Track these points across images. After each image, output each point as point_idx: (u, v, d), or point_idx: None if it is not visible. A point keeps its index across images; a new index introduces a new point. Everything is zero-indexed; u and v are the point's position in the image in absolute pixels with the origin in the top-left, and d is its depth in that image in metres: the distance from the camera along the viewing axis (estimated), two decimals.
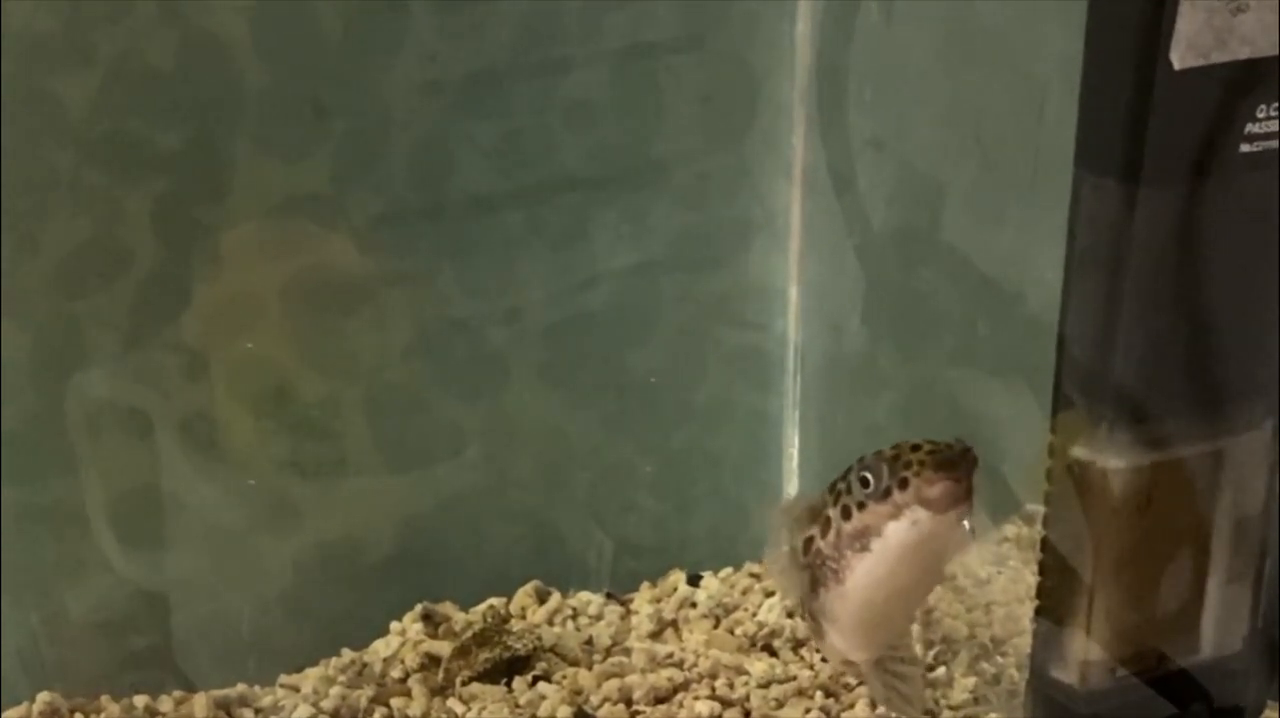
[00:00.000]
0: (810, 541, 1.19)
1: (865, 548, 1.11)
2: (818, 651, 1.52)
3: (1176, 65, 1.02)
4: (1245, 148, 1.10)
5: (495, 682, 1.49)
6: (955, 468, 1.06)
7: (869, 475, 1.09)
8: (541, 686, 1.49)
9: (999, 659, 1.52)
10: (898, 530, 1.08)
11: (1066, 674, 1.26)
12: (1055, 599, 1.25)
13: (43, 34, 1.36)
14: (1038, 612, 1.26)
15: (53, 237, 1.42)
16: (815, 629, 1.25)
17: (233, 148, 1.45)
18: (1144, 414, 1.15)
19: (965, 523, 1.09)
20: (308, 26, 1.45)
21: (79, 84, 1.39)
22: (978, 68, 1.48)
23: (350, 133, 1.49)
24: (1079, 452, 1.19)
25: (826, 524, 1.15)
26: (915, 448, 1.08)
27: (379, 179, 1.51)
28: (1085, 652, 1.23)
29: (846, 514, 1.12)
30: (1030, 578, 1.52)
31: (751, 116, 1.63)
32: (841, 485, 1.14)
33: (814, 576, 1.18)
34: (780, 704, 1.47)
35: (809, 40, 1.60)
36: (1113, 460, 1.17)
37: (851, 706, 1.48)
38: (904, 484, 1.07)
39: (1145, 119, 1.02)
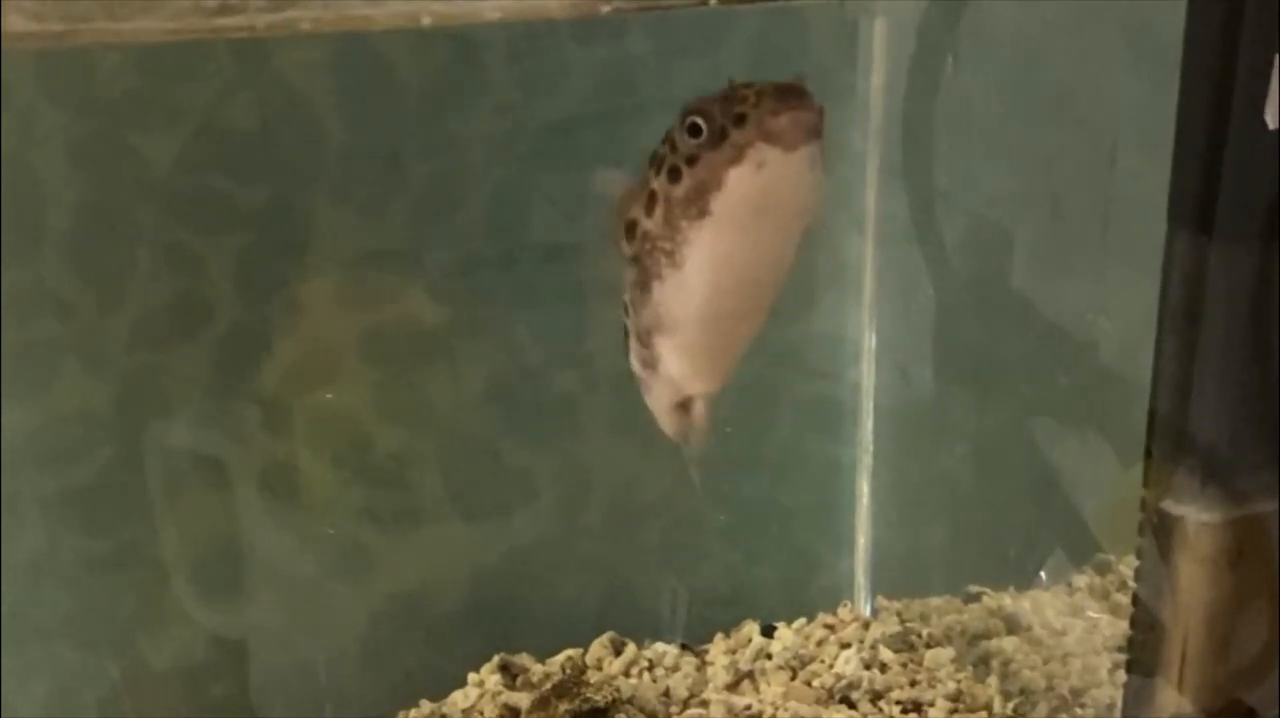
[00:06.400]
0: (633, 226, 0.99)
1: (704, 211, 0.93)
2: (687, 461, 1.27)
3: (1271, 125, 1.03)
4: None
5: None
6: (800, 96, 0.91)
7: (699, 121, 0.92)
8: None
9: (1078, 711, 1.50)
10: (742, 178, 0.91)
11: None
12: (1146, 653, 1.24)
13: (128, 91, 1.39)
14: (1129, 665, 1.25)
15: (137, 290, 1.44)
16: (647, 361, 1.07)
17: (312, 203, 1.48)
18: (1236, 469, 1.15)
19: (817, 167, 0.93)
20: (386, 82, 1.47)
21: (163, 141, 1.41)
22: (1047, 119, 1.49)
23: (427, 185, 1.50)
24: (1170, 506, 1.18)
25: (651, 200, 0.97)
26: (747, 85, 0.92)
27: (454, 231, 1.53)
28: (1176, 706, 1.22)
29: (675, 176, 0.94)
30: (1106, 628, 1.52)
31: (825, 167, 1.63)
32: (663, 149, 0.96)
33: (642, 272, 1.00)
34: None
35: (881, 93, 1.61)
36: (1204, 515, 1.16)
37: None
38: (741, 120, 0.90)
39: (1241, 177, 1.02)
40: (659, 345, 1.04)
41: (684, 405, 1.12)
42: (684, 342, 1.02)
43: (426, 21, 1.00)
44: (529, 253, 1.57)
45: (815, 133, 0.91)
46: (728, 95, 0.91)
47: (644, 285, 1.00)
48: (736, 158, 0.90)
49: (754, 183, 0.91)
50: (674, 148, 0.94)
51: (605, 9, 0.99)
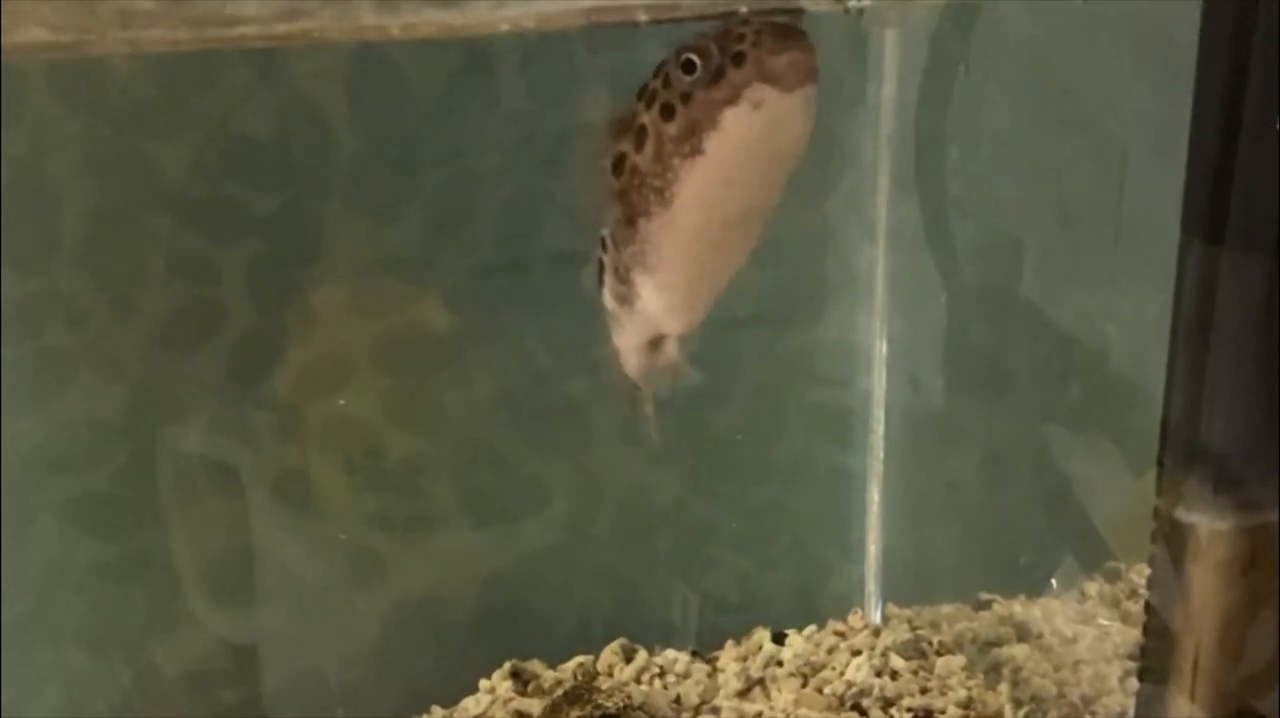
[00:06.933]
0: (621, 159, 0.97)
1: (698, 150, 0.91)
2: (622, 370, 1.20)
3: None
4: None
5: None
6: (799, 37, 0.89)
7: (694, 58, 0.90)
8: None
9: None
10: (738, 118, 0.89)
11: None
12: (1158, 660, 1.24)
13: (141, 99, 1.40)
14: (1140, 673, 1.25)
15: (150, 297, 1.44)
16: (623, 297, 1.04)
17: (325, 210, 1.48)
18: (1248, 477, 1.15)
19: (811, 110, 0.91)
20: (399, 90, 1.47)
21: (177, 149, 1.41)
22: (1059, 128, 1.49)
23: (439, 193, 1.51)
24: (1182, 513, 1.18)
25: (642, 135, 0.94)
26: (744, 22, 0.89)
27: (466, 238, 1.53)
28: (1188, 713, 1.22)
29: (668, 113, 0.92)
30: (1117, 636, 1.51)
31: (835, 176, 1.64)
32: (655, 83, 0.94)
33: (628, 206, 0.97)
34: None
35: (892, 101, 1.61)
36: (1216, 522, 1.16)
37: None
38: (739, 60, 0.88)
39: (1255, 186, 1.02)
40: (638, 283, 1.02)
41: (654, 344, 1.10)
42: (665, 280, 1.00)
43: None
44: (541, 260, 1.57)
45: (812, 74, 0.89)
46: (725, 32, 0.89)
47: (629, 221, 0.98)
48: (733, 97, 0.89)
49: (750, 123, 0.89)
50: (667, 83, 0.93)
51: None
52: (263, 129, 1.44)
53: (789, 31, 0.88)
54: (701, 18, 0.96)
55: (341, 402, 1.54)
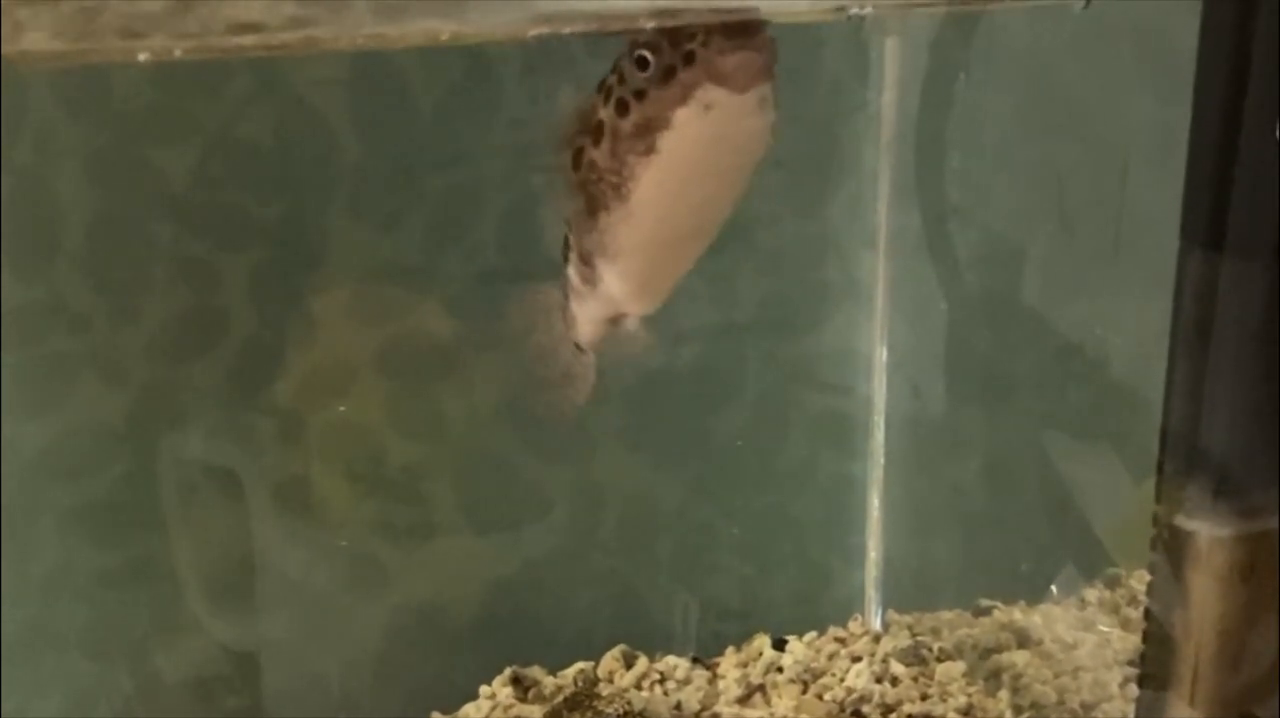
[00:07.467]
0: (580, 153, 0.95)
1: (651, 149, 0.89)
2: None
3: None
4: None
5: None
6: (752, 35, 0.85)
7: (647, 54, 0.87)
8: None
9: None
10: (689, 118, 0.87)
11: None
12: (1158, 667, 1.24)
13: (145, 106, 1.40)
14: (1140, 680, 1.25)
15: (152, 304, 1.45)
16: (586, 278, 1.03)
17: (327, 217, 1.48)
18: (1248, 484, 1.15)
19: (767, 108, 0.88)
20: (401, 97, 1.48)
21: (179, 156, 1.42)
22: (1059, 135, 1.49)
23: (441, 200, 1.51)
24: (1182, 520, 1.18)
25: (599, 130, 0.93)
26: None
27: (468, 245, 1.54)
28: None
29: (623, 110, 0.90)
30: (1117, 643, 1.51)
31: (836, 183, 1.64)
32: (611, 79, 0.92)
33: (588, 200, 0.96)
34: None
35: (893, 108, 1.61)
36: (1216, 529, 1.16)
37: None
38: (690, 59, 0.86)
39: (1254, 193, 1.02)
40: (600, 268, 1.01)
41: (615, 320, 1.09)
42: (626, 268, 0.99)
43: (444, 38, 1.00)
44: (542, 268, 1.58)
45: (765, 73, 0.86)
46: (678, 28, 0.87)
47: (590, 212, 0.97)
48: (684, 97, 0.87)
49: (701, 124, 0.87)
50: (621, 79, 0.91)
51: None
52: (265, 136, 1.44)
53: (741, 29, 0.85)
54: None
55: (343, 408, 1.54)
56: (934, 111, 1.57)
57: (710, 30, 0.85)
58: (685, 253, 1.01)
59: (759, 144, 0.91)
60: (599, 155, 0.94)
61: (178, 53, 0.90)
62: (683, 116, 0.88)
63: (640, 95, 0.89)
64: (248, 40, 0.87)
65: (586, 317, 1.10)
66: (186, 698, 1.55)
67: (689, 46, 0.85)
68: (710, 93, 0.86)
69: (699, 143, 0.89)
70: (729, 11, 0.86)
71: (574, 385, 1.18)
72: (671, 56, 0.87)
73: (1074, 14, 1.37)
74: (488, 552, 1.64)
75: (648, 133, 0.89)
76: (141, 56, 0.92)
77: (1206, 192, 1.05)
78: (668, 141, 0.89)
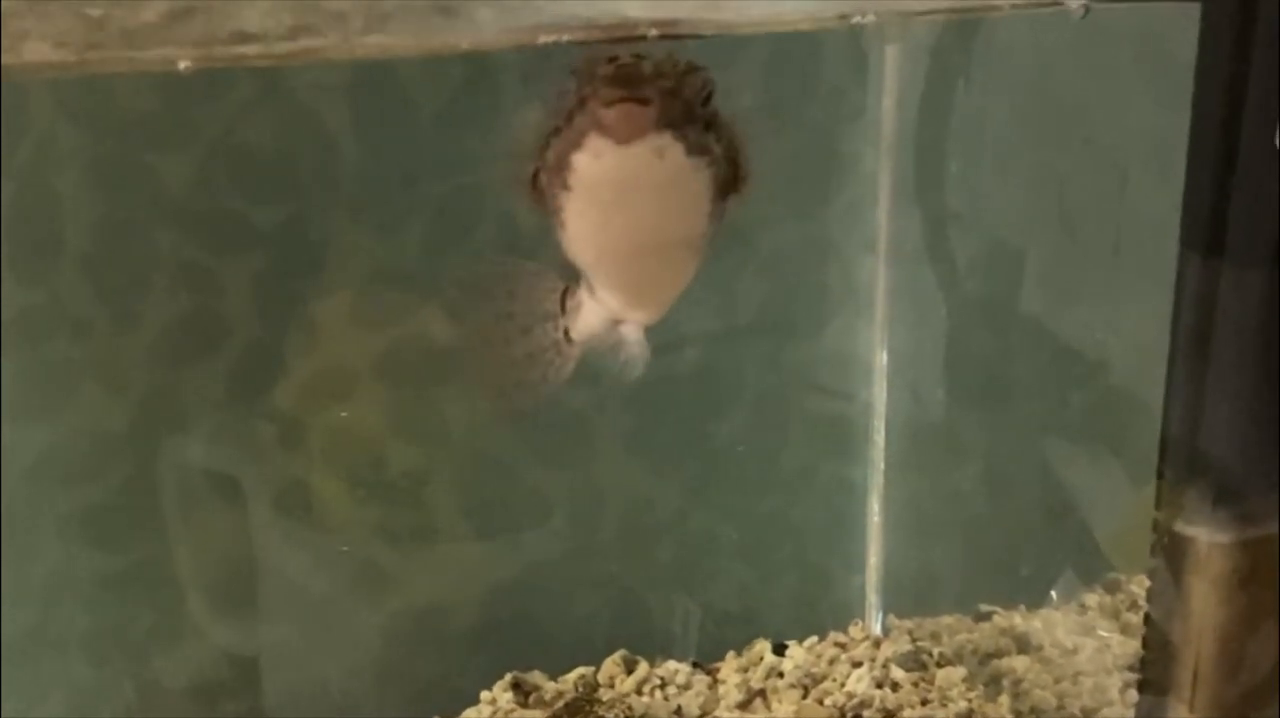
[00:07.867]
0: (536, 174, 0.90)
1: (566, 185, 0.85)
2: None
3: None
4: None
5: None
6: (638, 84, 0.79)
7: (569, 84, 0.83)
8: None
9: None
10: (583, 164, 0.82)
11: None
12: (1157, 672, 1.24)
13: (145, 113, 1.40)
14: (1140, 685, 1.26)
15: (153, 310, 1.45)
16: (588, 285, 0.99)
17: (328, 223, 1.48)
18: (1247, 490, 1.15)
19: (671, 155, 0.82)
20: (401, 102, 1.48)
21: (180, 162, 1.42)
22: (1059, 141, 1.50)
23: (442, 205, 1.51)
24: (1182, 526, 1.18)
25: (544, 149, 0.88)
26: (612, 59, 0.81)
27: (469, 250, 1.54)
28: None
29: (546, 143, 0.86)
30: (1117, 648, 1.52)
31: (837, 188, 1.65)
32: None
33: (550, 214, 0.91)
34: None
35: (893, 114, 1.61)
36: (1216, 535, 1.17)
37: None
38: (583, 104, 0.81)
39: (1253, 199, 1.03)
40: (587, 279, 0.97)
41: (616, 323, 1.04)
42: (606, 283, 0.95)
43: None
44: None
45: (655, 125, 0.80)
46: (590, 57, 0.82)
47: (556, 225, 0.92)
48: (577, 143, 0.83)
49: (595, 170, 0.83)
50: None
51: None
52: (266, 142, 1.44)
53: (623, 79, 0.80)
54: (698, 36, 0.96)
55: (344, 414, 1.54)
56: (934, 117, 1.57)
57: (600, 77, 0.80)
58: (659, 272, 0.95)
59: (684, 184, 0.85)
60: (543, 180, 0.90)
61: (183, 65, 0.90)
62: (578, 161, 0.83)
63: (555, 132, 0.85)
64: (250, 50, 0.87)
65: (590, 312, 1.06)
66: (187, 703, 1.55)
67: (586, 89, 0.81)
68: (597, 142, 0.82)
69: (602, 185, 0.84)
70: (632, 41, 0.82)
71: (547, 369, 1.12)
72: (574, 98, 0.83)
73: (1073, 21, 1.37)
74: (488, 556, 1.64)
75: (560, 170, 0.85)
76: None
77: (1206, 197, 1.06)
78: (575, 180, 0.85)
